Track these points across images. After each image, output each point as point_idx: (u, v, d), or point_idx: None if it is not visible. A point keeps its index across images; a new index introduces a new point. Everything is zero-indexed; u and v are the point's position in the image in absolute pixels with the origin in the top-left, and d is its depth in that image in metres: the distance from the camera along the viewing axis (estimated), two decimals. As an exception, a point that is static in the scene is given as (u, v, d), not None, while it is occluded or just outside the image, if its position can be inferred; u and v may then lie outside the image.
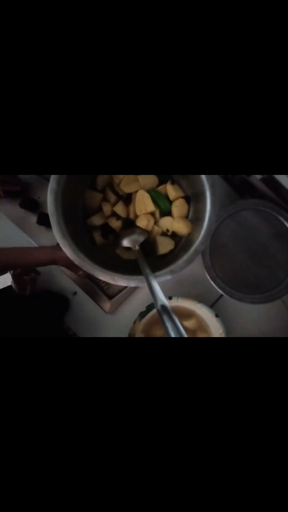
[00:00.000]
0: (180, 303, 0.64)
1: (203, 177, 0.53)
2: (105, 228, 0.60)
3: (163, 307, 0.38)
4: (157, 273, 0.50)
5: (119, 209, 0.59)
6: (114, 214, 0.60)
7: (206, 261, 0.64)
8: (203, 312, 0.64)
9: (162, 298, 0.40)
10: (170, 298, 0.64)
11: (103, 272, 0.51)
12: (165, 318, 0.36)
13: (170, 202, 0.61)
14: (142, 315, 0.62)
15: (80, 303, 0.70)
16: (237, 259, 0.65)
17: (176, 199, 0.60)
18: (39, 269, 0.67)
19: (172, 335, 0.35)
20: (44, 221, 0.68)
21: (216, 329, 0.64)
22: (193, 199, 0.60)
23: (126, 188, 0.59)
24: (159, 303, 0.39)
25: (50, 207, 0.51)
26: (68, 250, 0.50)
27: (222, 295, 0.66)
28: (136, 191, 0.59)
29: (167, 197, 0.61)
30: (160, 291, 0.42)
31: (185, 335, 0.35)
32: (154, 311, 0.64)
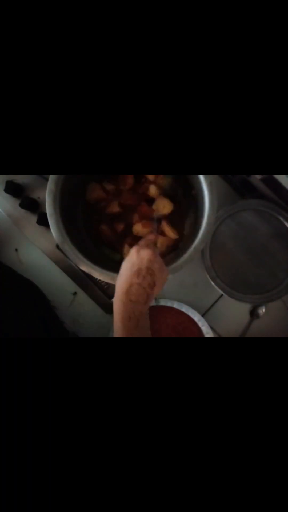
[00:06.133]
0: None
1: (201, 176, 0.53)
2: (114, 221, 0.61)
3: None
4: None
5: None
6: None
7: (206, 261, 0.64)
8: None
9: None
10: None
11: (103, 272, 0.51)
12: None
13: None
14: (142, 315, 0.62)
15: (80, 303, 0.70)
16: (237, 259, 0.65)
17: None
18: (37, 266, 0.67)
19: None
20: (44, 221, 0.67)
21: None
22: (192, 197, 0.60)
23: None
24: None
25: (49, 208, 0.51)
26: (67, 251, 0.51)
27: (222, 295, 0.66)
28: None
29: None
30: None
31: None
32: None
